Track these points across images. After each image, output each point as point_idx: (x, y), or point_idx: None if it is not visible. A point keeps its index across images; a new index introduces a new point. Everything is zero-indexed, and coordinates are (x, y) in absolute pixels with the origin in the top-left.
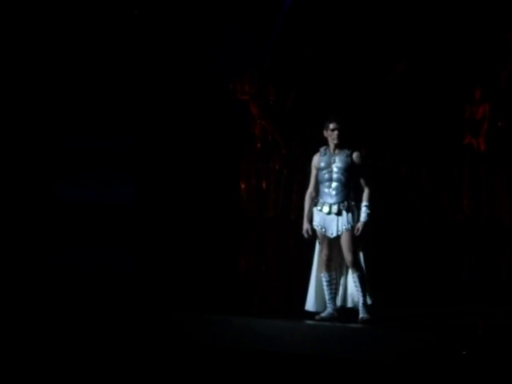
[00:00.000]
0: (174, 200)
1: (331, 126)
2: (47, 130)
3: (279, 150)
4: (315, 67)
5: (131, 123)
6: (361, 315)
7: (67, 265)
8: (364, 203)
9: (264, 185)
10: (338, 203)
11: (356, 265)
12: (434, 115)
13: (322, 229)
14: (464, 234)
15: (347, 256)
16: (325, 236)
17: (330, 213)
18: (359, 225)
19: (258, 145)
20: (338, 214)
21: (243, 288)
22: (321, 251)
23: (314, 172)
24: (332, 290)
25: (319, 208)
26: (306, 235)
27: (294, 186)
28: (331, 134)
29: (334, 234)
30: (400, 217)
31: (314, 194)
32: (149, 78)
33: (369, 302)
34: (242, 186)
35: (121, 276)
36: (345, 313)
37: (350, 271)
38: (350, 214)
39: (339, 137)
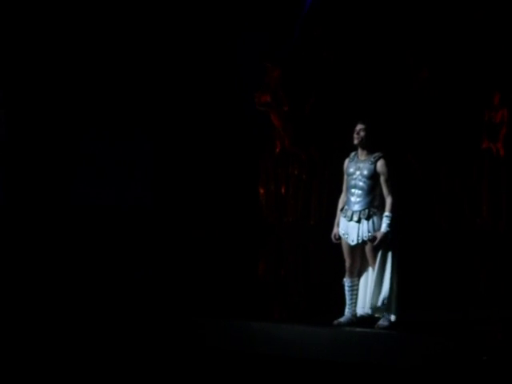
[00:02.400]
0: (194, 205)
1: (356, 127)
2: (65, 132)
3: (298, 155)
4: (335, 72)
5: (151, 127)
6: (379, 322)
7: (86, 269)
8: (385, 213)
9: (283, 190)
10: (359, 211)
11: (378, 273)
12: (452, 120)
13: (344, 235)
14: (483, 239)
15: (370, 264)
16: (347, 243)
17: (351, 220)
18: (379, 235)
19: (277, 150)
20: (359, 221)
21: (263, 293)
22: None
23: (344, 177)
24: (353, 296)
25: (344, 214)
26: (333, 240)
27: (313, 191)
28: (354, 136)
29: (355, 242)
30: (419, 222)
31: (345, 199)
32: (169, 81)
33: (390, 315)
34: (261, 191)
35: (141, 281)
36: (363, 319)
37: (373, 279)
38: (370, 223)
39: (361, 138)
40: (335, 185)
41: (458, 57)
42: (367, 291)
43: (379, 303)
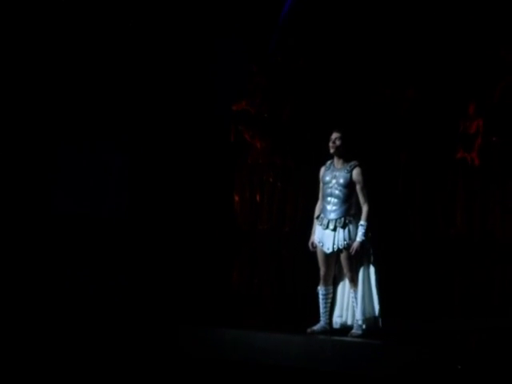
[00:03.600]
0: (168, 213)
1: (332, 136)
2: (42, 142)
3: (273, 162)
4: (311, 80)
5: (126, 137)
6: (353, 330)
7: (63, 278)
8: (361, 222)
9: (258, 197)
10: (335, 219)
11: (354, 282)
12: (427, 130)
13: (320, 243)
14: (457, 249)
15: (346, 273)
16: (322, 251)
17: (327, 228)
18: (355, 244)
19: (251, 158)
20: (334, 230)
21: (237, 300)
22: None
23: (320, 185)
24: (327, 304)
25: (319, 223)
26: (310, 248)
27: (288, 199)
28: (330, 145)
29: (330, 250)
30: (393, 232)
31: (321, 207)
32: (143, 91)
33: (360, 322)
34: (236, 198)
35: (115, 291)
36: (340, 328)
37: (348, 287)
38: (346, 232)
39: (337, 147)
40: (310, 192)
41: (433, 67)
42: (344, 300)
43: (368, 313)
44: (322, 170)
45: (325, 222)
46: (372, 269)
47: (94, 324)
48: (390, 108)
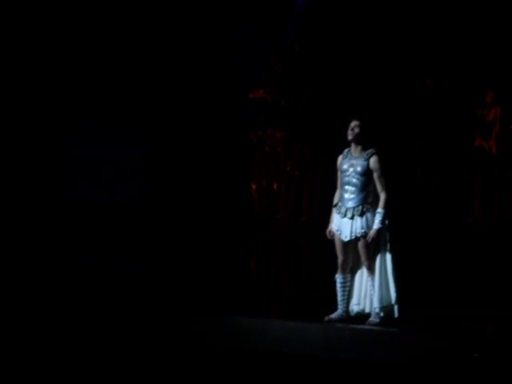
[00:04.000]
0: (185, 201)
1: (351, 123)
2: (55, 128)
3: (290, 151)
4: (329, 67)
5: (142, 123)
6: (371, 318)
7: (76, 265)
8: (378, 210)
9: (275, 186)
10: (353, 208)
11: (371, 270)
12: (445, 118)
13: (337, 231)
14: (475, 237)
15: (363, 261)
16: (339, 239)
17: (345, 216)
18: (371, 232)
19: (269, 147)
20: (352, 218)
21: (254, 289)
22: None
23: (338, 173)
24: (345, 292)
25: (337, 211)
26: (328, 236)
27: (305, 188)
28: (349, 132)
29: (348, 238)
30: (410, 219)
31: (339, 196)
32: (161, 77)
33: (378, 310)
34: (253, 187)
35: (130, 278)
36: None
37: (365, 275)
38: (363, 220)
39: (355, 134)
40: (327, 181)
41: (451, 55)
42: (362, 288)
43: (385, 301)
44: (340, 158)
45: (342, 210)
46: (389, 257)
47: (108, 311)
48: (407, 96)
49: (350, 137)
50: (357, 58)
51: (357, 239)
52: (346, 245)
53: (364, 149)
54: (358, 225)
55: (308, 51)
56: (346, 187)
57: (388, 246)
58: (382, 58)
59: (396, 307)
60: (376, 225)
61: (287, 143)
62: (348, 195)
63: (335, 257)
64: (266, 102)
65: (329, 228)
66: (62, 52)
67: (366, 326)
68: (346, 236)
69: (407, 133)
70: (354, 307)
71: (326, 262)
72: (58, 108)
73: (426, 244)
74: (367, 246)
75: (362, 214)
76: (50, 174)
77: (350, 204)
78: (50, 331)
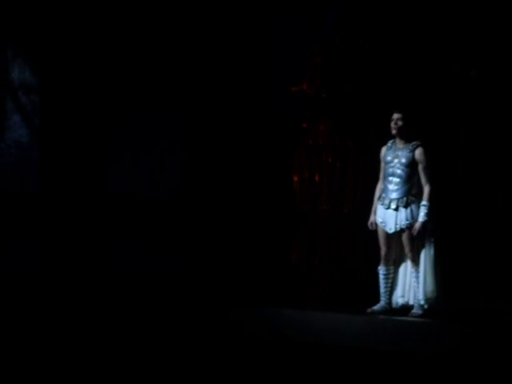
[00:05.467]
0: (226, 194)
1: (393, 116)
2: (97, 121)
3: (332, 143)
4: (372, 60)
5: (184, 117)
6: (413, 310)
7: (120, 259)
8: (423, 202)
9: (317, 178)
10: (397, 199)
11: (415, 262)
12: (488, 109)
13: (382, 223)
14: None
15: (407, 253)
16: (383, 231)
17: (389, 208)
18: (417, 225)
19: (311, 139)
20: (396, 209)
21: (296, 281)
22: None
23: (381, 165)
24: (388, 284)
25: (381, 202)
26: (370, 227)
27: (347, 179)
28: (392, 126)
29: (393, 230)
30: (454, 212)
31: (382, 187)
32: (203, 69)
33: (422, 302)
34: (295, 179)
35: (174, 271)
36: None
37: (409, 267)
38: (408, 211)
39: (399, 127)
40: (369, 173)
41: (496, 46)
42: (406, 280)
43: (429, 293)
44: (383, 149)
45: (386, 201)
46: (433, 249)
47: (150, 303)
48: (451, 87)
49: (393, 131)
50: (399, 49)
51: (401, 231)
52: (389, 237)
53: (409, 140)
54: (403, 216)
55: (350, 44)
56: (390, 178)
57: (432, 239)
58: (426, 49)
59: (440, 299)
60: (421, 217)
61: (330, 135)
62: (392, 186)
63: (378, 249)
64: (308, 94)
65: (370, 220)
66: (100, 35)
67: (409, 318)
68: (390, 228)
69: (451, 124)
70: (399, 299)
71: (368, 253)
72: (100, 100)
73: (469, 236)
74: (411, 238)
75: (406, 206)
76: (91, 167)
77: (395, 195)
78: (96, 317)
